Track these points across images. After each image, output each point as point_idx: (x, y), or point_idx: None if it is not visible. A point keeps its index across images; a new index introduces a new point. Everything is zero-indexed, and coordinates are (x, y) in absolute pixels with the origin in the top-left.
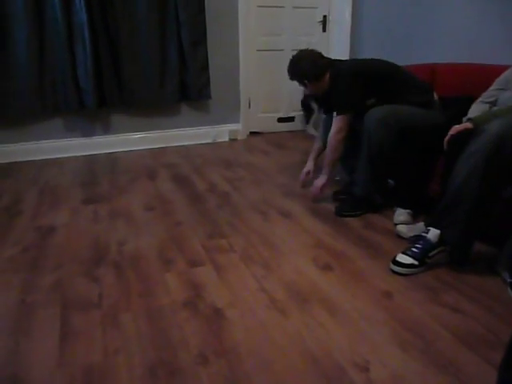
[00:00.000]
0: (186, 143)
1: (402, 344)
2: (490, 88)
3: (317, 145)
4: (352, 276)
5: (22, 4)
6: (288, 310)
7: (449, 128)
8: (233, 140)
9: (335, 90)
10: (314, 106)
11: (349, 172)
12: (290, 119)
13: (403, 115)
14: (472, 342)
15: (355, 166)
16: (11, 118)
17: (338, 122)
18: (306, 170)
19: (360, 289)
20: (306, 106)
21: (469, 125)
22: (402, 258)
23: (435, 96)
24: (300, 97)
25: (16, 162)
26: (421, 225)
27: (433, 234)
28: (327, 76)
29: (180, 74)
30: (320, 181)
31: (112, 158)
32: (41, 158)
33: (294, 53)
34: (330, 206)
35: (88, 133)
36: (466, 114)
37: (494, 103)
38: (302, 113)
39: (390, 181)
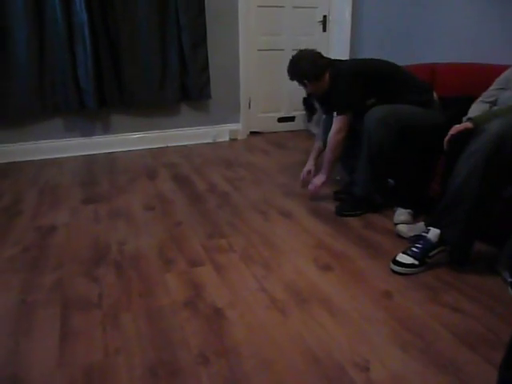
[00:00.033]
0: (186, 143)
1: (402, 344)
2: (490, 88)
3: (317, 144)
4: (352, 276)
5: (22, 4)
6: (288, 309)
7: (449, 128)
8: (233, 140)
9: (335, 90)
10: (317, 105)
11: (349, 172)
12: (291, 119)
13: (403, 115)
14: (472, 341)
15: (355, 165)
16: (11, 118)
17: (338, 122)
18: (306, 169)
19: (360, 289)
20: (308, 104)
21: (469, 124)
22: (403, 258)
23: (435, 96)
24: (301, 96)
25: (16, 162)
26: (421, 224)
27: (433, 233)
28: (327, 76)
29: (181, 77)
30: (319, 179)
31: (112, 157)
32: (40, 157)
33: (295, 53)
34: (331, 206)
35: (88, 133)
36: (466, 113)
37: (494, 103)
38: (303, 112)
39: (390, 180)
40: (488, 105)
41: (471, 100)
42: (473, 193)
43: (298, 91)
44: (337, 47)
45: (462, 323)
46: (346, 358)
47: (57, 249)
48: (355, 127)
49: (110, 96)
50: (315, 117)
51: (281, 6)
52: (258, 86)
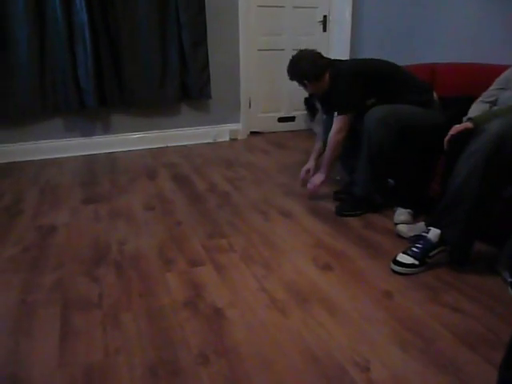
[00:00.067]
0: (186, 143)
1: (403, 344)
2: (490, 87)
3: (318, 145)
4: (352, 276)
5: (22, 4)
6: (288, 309)
7: (449, 128)
8: (233, 140)
9: (335, 90)
10: (318, 105)
11: (349, 172)
12: (291, 119)
13: (403, 115)
14: (472, 341)
15: (355, 165)
16: (11, 118)
17: (338, 122)
18: (305, 168)
19: (360, 288)
20: (309, 104)
21: (469, 124)
22: (403, 258)
23: (435, 96)
24: (301, 96)
25: (16, 162)
26: (421, 224)
27: (433, 233)
28: (327, 76)
29: (181, 76)
30: (318, 178)
31: (112, 157)
32: (41, 157)
33: (295, 53)
34: (330, 206)
35: (88, 133)
36: (466, 113)
37: (494, 103)
38: (303, 112)
39: (390, 180)
40: (488, 105)
41: (471, 100)
42: (473, 193)
43: (298, 91)
44: (337, 47)
45: (462, 323)
46: (346, 357)
47: (57, 249)
48: (355, 127)
49: (110, 94)
50: (318, 116)
51: (281, 6)
52: (259, 86)
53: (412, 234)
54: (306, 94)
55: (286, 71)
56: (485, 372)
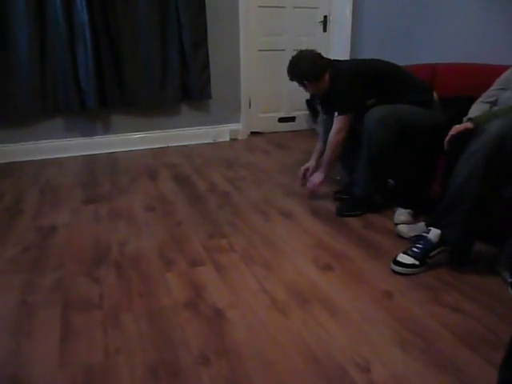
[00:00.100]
0: (186, 143)
1: (403, 344)
2: (491, 88)
3: (319, 145)
4: (352, 276)
5: (23, 4)
6: (289, 310)
7: (449, 128)
8: (233, 140)
9: (335, 91)
10: (319, 107)
11: (349, 172)
12: (291, 119)
13: (403, 115)
14: (472, 341)
15: (355, 166)
16: (12, 118)
17: (338, 122)
18: (304, 166)
19: (360, 289)
20: (311, 106)
21: (469, 125)
22: (403, 258)
23: (435, 96)
24: (301, 96)
25: (16, 162)
26: (421, 225)
27: (433, 233)
28: (327, 76)
29: (181, 76)
30: (317, 178)
31: (112, 157)
32: (41, 157)
33: (295, 53)
34: (331, 206)
35: (88, 133)
36: (466, 113)
37: (494, 103)
38: (303, 112)
39: (390, 181)
40: (488, 105)
41: (471, 100)
42: (473, 193)
43: (298, 91)
44: (337, 47)
45: (463, 323)
46: (346, 358)
47: (57, 249)
48: (355, 127)
49: (110, 95)
50: (320, 117)
51: (281, 7)
52: (259, 86)
53: (412, 235)
54: (307, 95)
55: (286, 71)
56: (485, 372)
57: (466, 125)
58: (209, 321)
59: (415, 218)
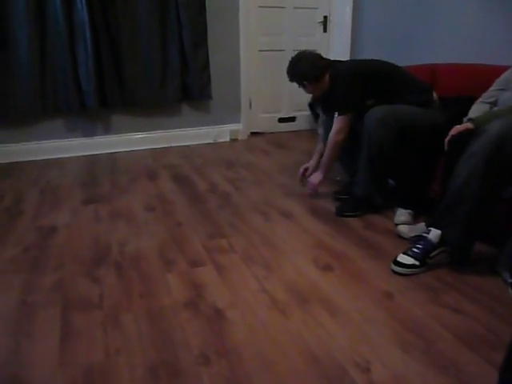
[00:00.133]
0: (186, 143)
1: (403, 344)
2: (491, 88)
3: (319, 146)
4: (352, 276)
5: (23, 4)
6: (289, 310)
7: (449, 128)
8: (234, 140)
9: (335, 91)
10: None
11: (349, 172)
12: (291, 119)
13: (403, 115)
14: (473, 342)
15: (355, 166)
16: (12, 118)
17: (338, 122)
18: (304, 165)
19: (360, 289)
20: (313, 110)
21: (469, 125)
22: (403, 259)
23: (435, 96)
24: (302, 97)
25: (17, 162)
26: (422, 225)
27: (434, 234)
28: (327, 77)
29: (181, 76)
30: (316, 178)
31: (113, 158)
32: (42, 158)
33: (295, 53)
34: (331, 207)
35: (89, 133)
36: (466, 114)
37: (494, 103)
38: (304, 112)
39: (390, 181)
40: (488, 105)
41: (471, 100)
42: (473, 193)
43: (298, 92)
44: (337, 48)
45: (463, 324)
46: (346, 358)
47: (57, 249)
48: (355, 127)
49: (110, 94)
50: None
51: (281, 7)
52: (259, 87)
53: (412, 235)
54: (308, 97)
55: (286, 72)
56: (485, 373)
57: (467, 125)
58: (209, 321)
59: (415, 218)
